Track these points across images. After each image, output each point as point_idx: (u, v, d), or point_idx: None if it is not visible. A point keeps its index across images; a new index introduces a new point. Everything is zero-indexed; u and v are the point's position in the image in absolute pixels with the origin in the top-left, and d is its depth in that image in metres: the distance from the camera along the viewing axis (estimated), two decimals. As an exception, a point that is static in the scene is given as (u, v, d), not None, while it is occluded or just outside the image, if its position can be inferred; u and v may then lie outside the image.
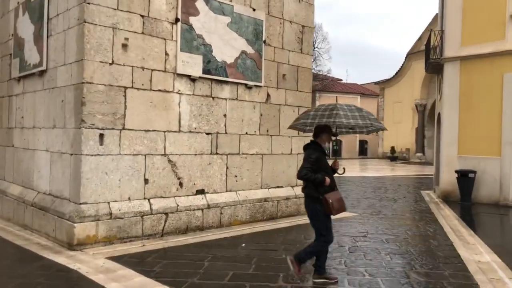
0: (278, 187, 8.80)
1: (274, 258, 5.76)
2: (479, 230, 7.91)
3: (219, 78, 7.75)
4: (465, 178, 11.61)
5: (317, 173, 4.60)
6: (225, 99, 7.90)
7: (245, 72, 8.13)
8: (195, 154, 7.48)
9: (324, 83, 43.36)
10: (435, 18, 33.45)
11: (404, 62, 38.75)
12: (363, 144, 48.13)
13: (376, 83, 44.92)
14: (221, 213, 7.72)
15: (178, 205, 7.14)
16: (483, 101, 11.57)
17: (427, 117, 36.28)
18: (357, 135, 46.15)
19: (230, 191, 8.01)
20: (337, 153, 46.13)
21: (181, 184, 7.30)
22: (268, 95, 8.59)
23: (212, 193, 7.72)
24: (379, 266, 5.39)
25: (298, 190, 9.09)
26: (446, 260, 5.78)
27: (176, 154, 7.23)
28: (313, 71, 8.86)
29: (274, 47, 8.67)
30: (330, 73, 44.59)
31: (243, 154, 8.20)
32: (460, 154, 12.15)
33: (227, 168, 7.95)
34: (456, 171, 11.77)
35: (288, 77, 8.92)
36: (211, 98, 7.70)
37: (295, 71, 9.09)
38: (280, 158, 8.85)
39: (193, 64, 7.38)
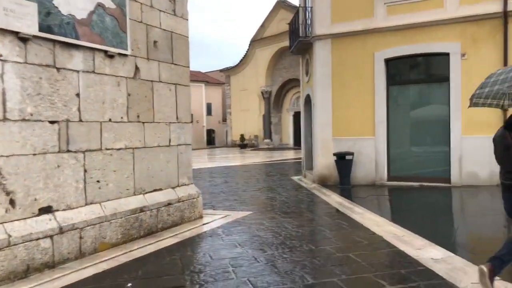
0: (156, 190, 6.67)
1: (186, 304, 3.78)
2: (393, 216, 7.17)
3: (66, 39, 5.23)
4: (343, 160, 11.15)
5: None
6: (77, 71, 5.42)
7: (103, 34, 5.74)
8: (34, 154, 4.90)
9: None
10: (277, 5, 34.31)
11: (248, 49, 38.98)
12: (210, 133, 47.48)
13: (221, 70, 44.50)
14: (81, 237, 5.30)
15: (10, 236, 4.51)
16: (356, 80, 11.20)
17: (273, 103, 37.32)
18: (204, 124, 45.26)
19: (92, 203, 5.61)
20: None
21: (12, 202, 4.66)
22: (137, 68, 6.35)
23: (65, 209, 5.22)
24: (337, 291, 3.89)
25: (181, 192, 7.12)
26: (404, 265, 4.59)
27: (2, 156, 4.56)
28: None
29: (141, 4, 6.44)
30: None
31: (107, 149, 5.85)
32: (335, 136, 11.67)
33: (85, 171, 5.52)
34: (334, 154, 11.24)
35: (160, 45, 6.79)
36: (55, 70, 5.15)
37: (169, 38, 7.00)
38: (157, 152, 6.72)
39: (23, 16, 4.74)
